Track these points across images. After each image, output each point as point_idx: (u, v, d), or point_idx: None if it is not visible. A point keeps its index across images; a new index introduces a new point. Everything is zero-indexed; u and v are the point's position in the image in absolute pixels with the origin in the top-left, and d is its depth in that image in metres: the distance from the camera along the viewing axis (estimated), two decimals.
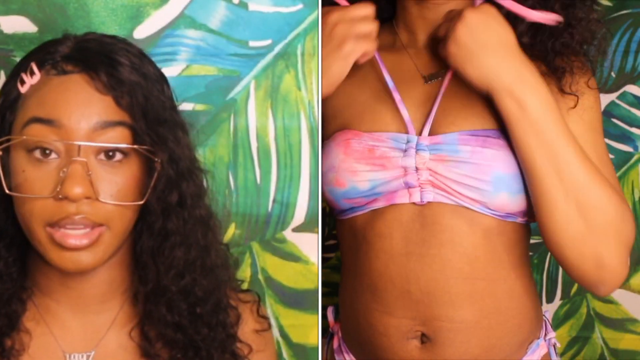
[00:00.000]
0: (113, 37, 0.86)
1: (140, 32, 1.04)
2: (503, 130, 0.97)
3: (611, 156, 1.29)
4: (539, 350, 1.05)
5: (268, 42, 1.06)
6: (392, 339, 1.00)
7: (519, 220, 1.00)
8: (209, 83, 1.07)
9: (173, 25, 1.05)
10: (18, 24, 1.02)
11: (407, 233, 0.98)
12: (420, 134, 0.99)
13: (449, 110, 1.00)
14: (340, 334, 1.13)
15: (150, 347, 0.87)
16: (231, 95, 1.08)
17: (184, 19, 1.05)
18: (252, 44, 1.06)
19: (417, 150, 0.97)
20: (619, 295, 1.32)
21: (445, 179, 0.96)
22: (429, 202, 0.97)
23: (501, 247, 0.99)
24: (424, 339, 0.99)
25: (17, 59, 1.01)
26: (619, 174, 1.30)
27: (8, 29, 1.02)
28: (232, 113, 1.08)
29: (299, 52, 1.07)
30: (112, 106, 0.79)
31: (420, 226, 0.98)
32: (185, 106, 1.06)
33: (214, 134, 1.08)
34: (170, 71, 1.05)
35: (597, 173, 0.92)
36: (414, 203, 0.98)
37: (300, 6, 1.06)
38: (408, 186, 0.98)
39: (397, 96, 1.02)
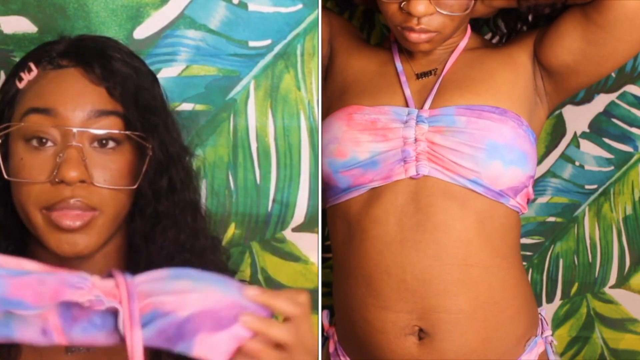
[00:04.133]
0: (107, 38, 0.90)
1: (140, 33, 1.05)
2: (497, 107, 1.03)
3: (611, 156, 1.29)
4: (537, 348, 1.07)
5: (268, 42, 1.07)
6: (389, 335, 1.01)
7: (511, 202, 1.02)
8: (209, 83, 1.07)
9: (173, 25, 1.05)
10: (18, 24, 1.03)
11: (401, 217, 1.01)
12: (421, 109, 1.04)
13: (445, 90, 1.06)
14: (335, 337, 1.13)
15: None
16: (231, 95, 1.08)
17: (183, 20, 1.05)
18: (251, 44, 1.06)
19: (417, 122, 1.02)
20: (619, 295, 1.32)
21: (441, 148, 1.00)
22: (424, 181, 1.00)
23: (494, 233, 1.02)
24: (422, 334, 1.00)
25: (17, 59, 1.01)
26: (618, 174, 1.30)
27: (8, 29, 1.03)
28: (231, 113, 1.08)
29: (298, 52, 1.07)
30: (105, 97, 0.83)
31: (414, 210, 1.00)
32: (185, 106, 1.06)
33: (213, 134, 1.08)
34: (170, 71, 1.05)
35: None
36: (410, 177, 1.01)
37: (299, 6, 1.06)
38: (405, 159, 1.01)
39: (402, 78, 1.08)
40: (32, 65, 0.84)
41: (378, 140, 1.02)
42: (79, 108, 0.81)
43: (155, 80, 0.91)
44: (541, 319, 1.11)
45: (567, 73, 1.06)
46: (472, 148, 0.99)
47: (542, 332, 1.09)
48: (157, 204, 0.86)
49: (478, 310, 1.00)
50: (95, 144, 0.82)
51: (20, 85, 0.84)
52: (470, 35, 1.13)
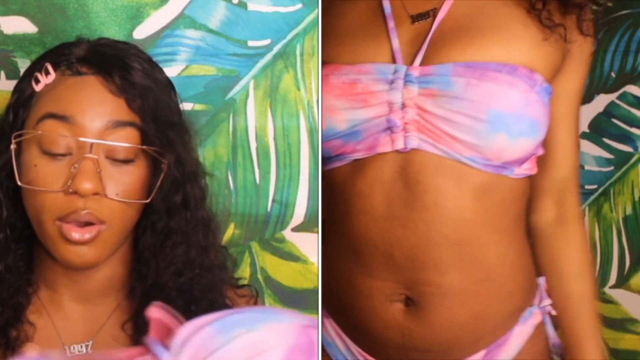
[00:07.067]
0: (125, 42, 0.89)
1: (140, 33, 1.05)
2: (505, 64, 0.86)
3: (611, 156, 1.29)
4: (532, 319, 0.96)
5: (267, 41, 1.07)
6: (375, 301, 0.92)
7: (515, 172, 0.89)
8: (208, 83, 1.07)
9: (173, 25, 1.05)
10: (18, 25, 1.03)
11: (389, 194, 0.88)
12: (410, 64, 0.88)
13: (444, 42, 0.88)
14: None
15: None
16: (230, 95, 1.08)
17: (183, 19, 1.05)
18: (251, 43, 1.06)
19: (405, 82, 0.86)
20: (619, 295, 1.32)
21: (433, 117, 0.85)
22: (412, 155, 0.87)
23: (493, 209, 0.89)
24: (409, 302, 0.92)
25: (17, 59, 1.02)
26: (618, 174, 1.30)
27: (8, 30, 1.03)
28: (231, 113, 1.08)
29: (298, 51, 1.07)
30: (124, 108, 0.82)
31: (402, 187, 0.88)
32: (184, 106, 1.06)
33: (213, 134, 1.08)
34: (169, 71, 1.05)
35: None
36: (397, 151, 0.87)
37: (299, 6, 1.06)
38: (390, 128, 0.87)
39: (390, 23, 0.90)
40: (50, 68, 0.83)
41: (357, 107, 0.88)
42: (97, 118, 0.80)
43: (173, 90, 0.90)
44: (540, 288, 1.00)
45: None
46: (471, 119, 0.84)
47: (539, 302, 0.98)
48: (169, 219, 0.87)
49: (471, 286, 0.89)
50: (111, 155, 0.81)
51: (37, 88, 0.83)
52: None
